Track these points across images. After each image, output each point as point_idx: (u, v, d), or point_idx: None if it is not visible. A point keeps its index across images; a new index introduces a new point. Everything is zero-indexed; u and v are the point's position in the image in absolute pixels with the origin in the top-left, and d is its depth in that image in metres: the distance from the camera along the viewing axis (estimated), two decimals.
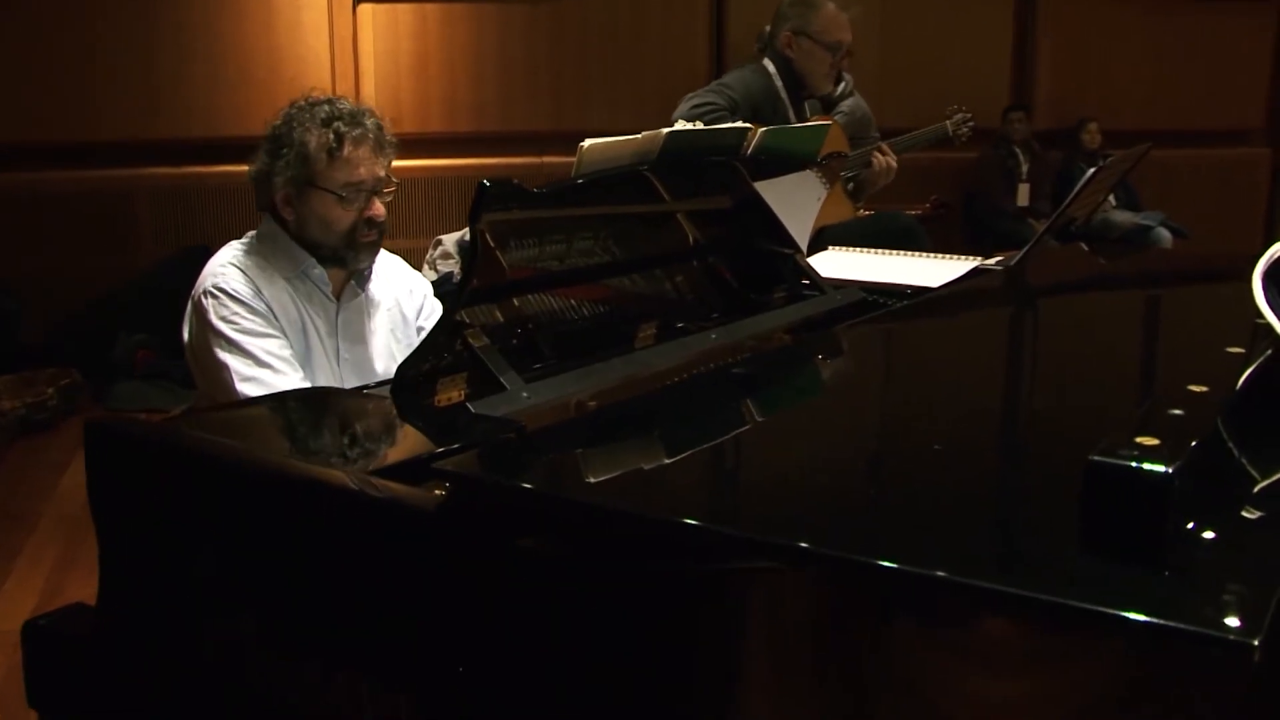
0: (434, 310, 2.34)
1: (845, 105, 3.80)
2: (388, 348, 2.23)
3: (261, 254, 2.13)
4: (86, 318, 5.26)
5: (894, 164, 3.54)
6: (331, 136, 2.08)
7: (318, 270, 2.15)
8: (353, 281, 2.20)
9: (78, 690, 1.47)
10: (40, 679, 1.48)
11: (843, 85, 4.02)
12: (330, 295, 2.17)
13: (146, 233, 5.58)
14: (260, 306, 2.06)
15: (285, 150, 2.10)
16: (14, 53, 5.31)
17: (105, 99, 5.42)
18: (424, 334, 2.27)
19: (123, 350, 5.08)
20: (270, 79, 5.55)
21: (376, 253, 2.20)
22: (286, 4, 5.67)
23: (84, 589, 1.43)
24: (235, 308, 2.04)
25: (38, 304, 5.32)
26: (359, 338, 2.20)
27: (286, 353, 2.05)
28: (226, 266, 2.09)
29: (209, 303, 2.05)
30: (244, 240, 2.17)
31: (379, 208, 2.14)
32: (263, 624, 1.28)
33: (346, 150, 2.09)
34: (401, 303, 2.29)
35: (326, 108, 2.12)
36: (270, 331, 2.05)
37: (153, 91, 5.44)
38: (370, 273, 2.23)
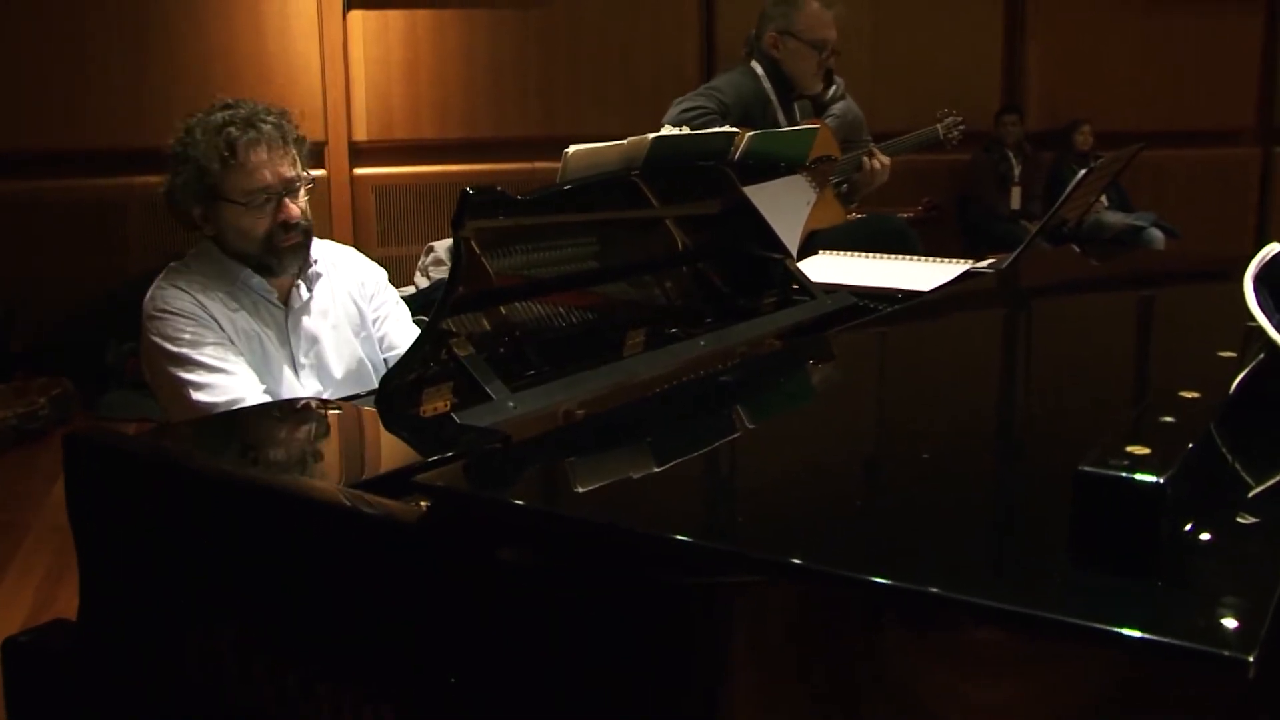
0: (389, 298, 2.29)
1: (836, 108, 3.80)
2: (348, 346, 2.18)
3: (200, 271, 2.09)
4: (77, 326, 5.24)
5: (886, 164, 3.53)
6: (224, 144, 2.02)
7: (256, 279, 2.10)
8: (299, 285, 2.14)
9: (59, 707, 1.45)
10: (20, 697, 1.47)
11: (834, 88, 4.02)
12: (276, 302, 2.13)
13: (136, 240, 5.56)
14: (203, 316, 2.03)
15: (184, 167, 2.05)
16: (2, 60, 5.30)
17: (95, 107, 5.40)
18: (383, 321, 2.26)
19: (114, 358, 5.06)
20: (260, 86, 5.53)
21: (303, 254, 2.13)
22: (276, 11, 5.66)
23: (75, 600, 1.41)
24: (176, 322, 2.01)
25: (28, 312, 5.31)
26: (313, 341, 2.15)
27: (237, 357, 2.02)
28: (164, 288, 2.06)
29: (152, 325, 2.02)
30: (179, 262, 2.13)
31: (292, 209, 2.07)
32: (244, 637, 1.26)
33: (241, 156, 2.02)
34: (354, 296, 2.23)
35: (222, 114, 2.05)
36: (215, 339, 2.02)
37: (142, 99, 5.42)
38: (315, 273, 2.17)
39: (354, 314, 2.22)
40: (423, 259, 5.53)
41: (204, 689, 1.28)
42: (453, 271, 1.45)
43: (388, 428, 1.42)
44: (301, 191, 2.10)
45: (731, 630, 0.96)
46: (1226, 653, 0.71)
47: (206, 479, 1.29)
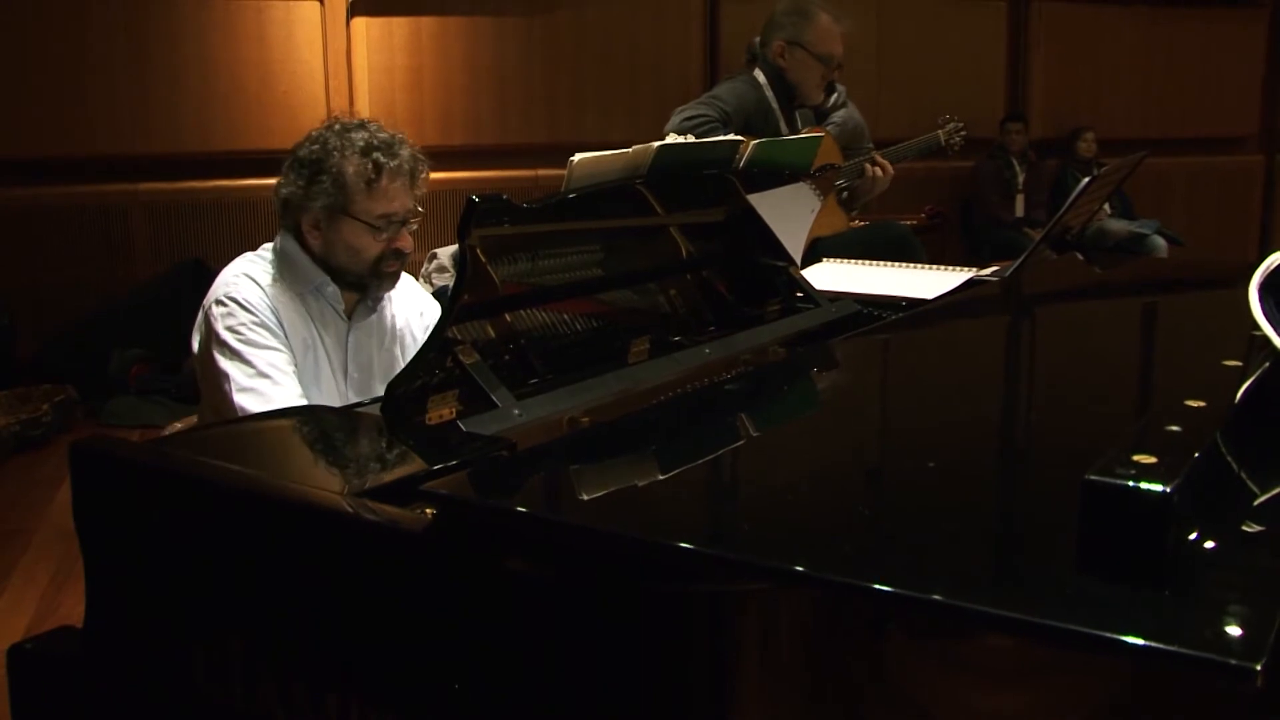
0: None
1: (838, 116, 3.81)
2: (398, 367, 2.21)
3: (276, 267, 2.13)
4: (81, 333, 5.25)
5: (889, 171, 3.53)
6: (370, 166, 2.06)
7: (331, 288, 2.14)
8: (366, 302, 2.19)
9: (64, 716, 1.45)
10: (26, 705, 1.47)
11: (836, 95, 4.03)
12: (343, 314, 2.17)
13: (140, 247, 5.56)
14: (269, 319, 2.06)
15: (322, 176, 2.07)
16: (6, 67, 5.31)
17: (98, 114, 5.41)
18: None
19: (117, 365, 5.07)
20: (264, 93, 5.55)
21: (396, 282, 2.19)
22: (280, 18, 5.67)
23: (79, 606, 1.41)
24: (243, 317, 2.04)
25: (32, 319, 5.31)
26: (368, 358, 2.20)
27: (289, 367, 2.05)
28: (240, 277, 2.09)
29: (218, 310, 2.05)
30: (259, 252, 2.16)
31: (407, 240, 2.13)
32: (251, 646, 1.26)
33: (384, 181, 2.07)
34: (413, 325, 2.28)
35: (364, 135, 2.09)
36: (275, 345, 2.05)
37: (146, 106, 5.43)
38: (384, 295, 2.22)
39: (409, 340, 2.27)
40: (426, 265, 5.53)
41: (210, 698, 1.28)
42: (458, 279, 1.45)
43: (394, 435, 1.42)
44: (413, 224, 2.15)
45: (738, 637, 0.95)
46: (1233, 661, 0.71)
47: (213, 488, 1.29)
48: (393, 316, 2.25)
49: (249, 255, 2.16)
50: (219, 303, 2.06)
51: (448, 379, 1.47)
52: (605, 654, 1.01)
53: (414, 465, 1.36)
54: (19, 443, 4.48)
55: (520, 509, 1.12)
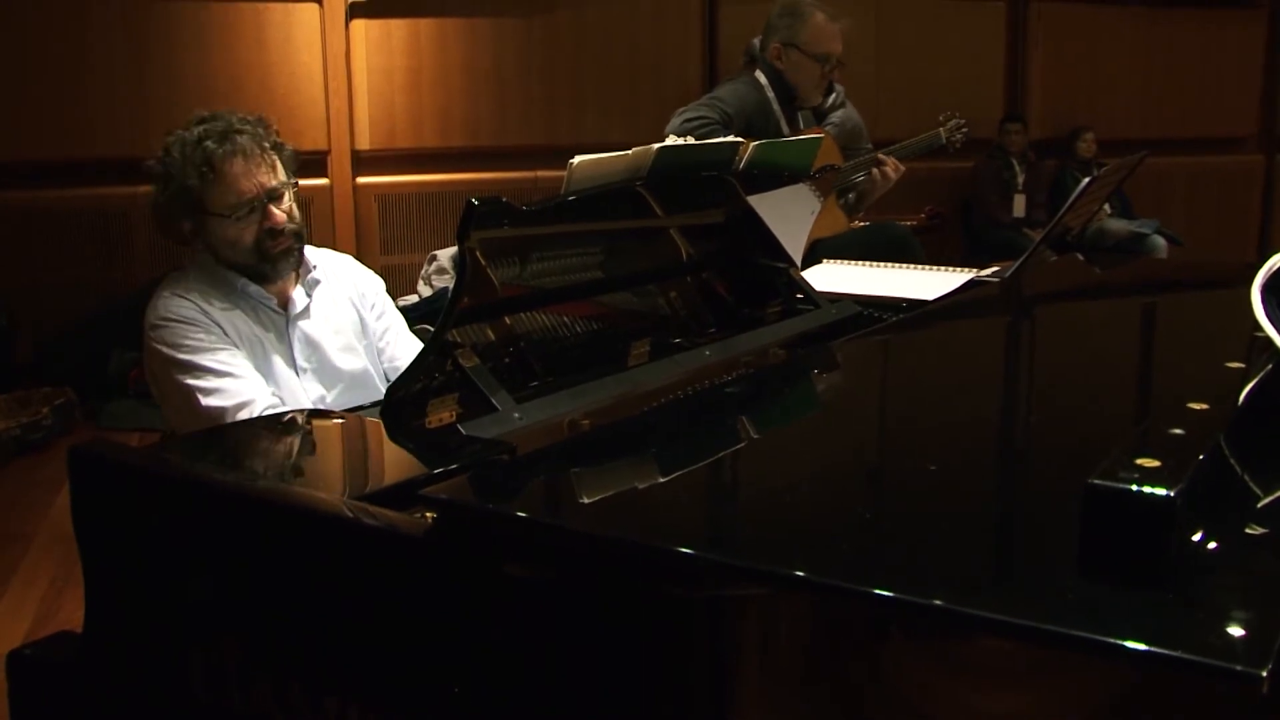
0: (387, 307, 2.30)
1: (836, 116, 3.80)
2: (349, 351, 2.19)
3: (200, 280, 2.10)
4: (80, 336, 5.24)
5: (900, 168, 3.52)
6: (200, 159, 2.03)
7: (253, 287, 2.11)
8: (298, 290, 2.16)
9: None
10: (25, 710, 1.46)
11: (834, 96, 4.02)
12: (276, 308, 2.14)
13: (140, 250, 5.56)
14: (205, 321, 2.03)
15: (167, 184, 2.06)
16: (5, 69, 5.30)
17: (98, 116, 5.41)
18: (384, 332, 2.26)
19: (117, 368, 5.06)
20: (263, 95, 5.54)
21: (294, 259, 2.14)
22: (279, 20, 5.66)
23: (79, 610, 1.41)
24: (180, 329, 2.02)
25: (31, 321, 5.31)
26: (314, 345, 2.16)
27: (244, 361, 2.03)
28: (164, 296, 2.07)
29: (155, 335, 2.03)
30: (177, 273, 2.14)
31: (277, 215, 2.08)
32: (250, 650, 1.26)
33: (220, 169, 2.03)
34: (355, 303, 2.25)
35: (199, 128, 2.06)
36: (219, 344, 2.02)
37: (145, 108, 5.42)
38: (313, 279, 2.18)
39: (355, 320, 2.23)
40: (425, 267, 5.53)
41: (209, 703, 1.28)
42: (457, 282, 1.45)
43: (393, 439, 1.42)
44: (286, 196, 2.11)
45: (738, 641, 0.95)
46: (1239, 667, 0.71)
47: (211, 492, 1.29)
48: (333, 298, 2.21)
49: (171, 276, 2.13)
50: (153, 326, 2.03)
51: (447, 382, 1.47)
52: (605, 658, 1.00)
53: (414, 469, 1.35)
54: (18, 446, 4.47)
55: (520, 513, 1.12)
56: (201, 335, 2.02)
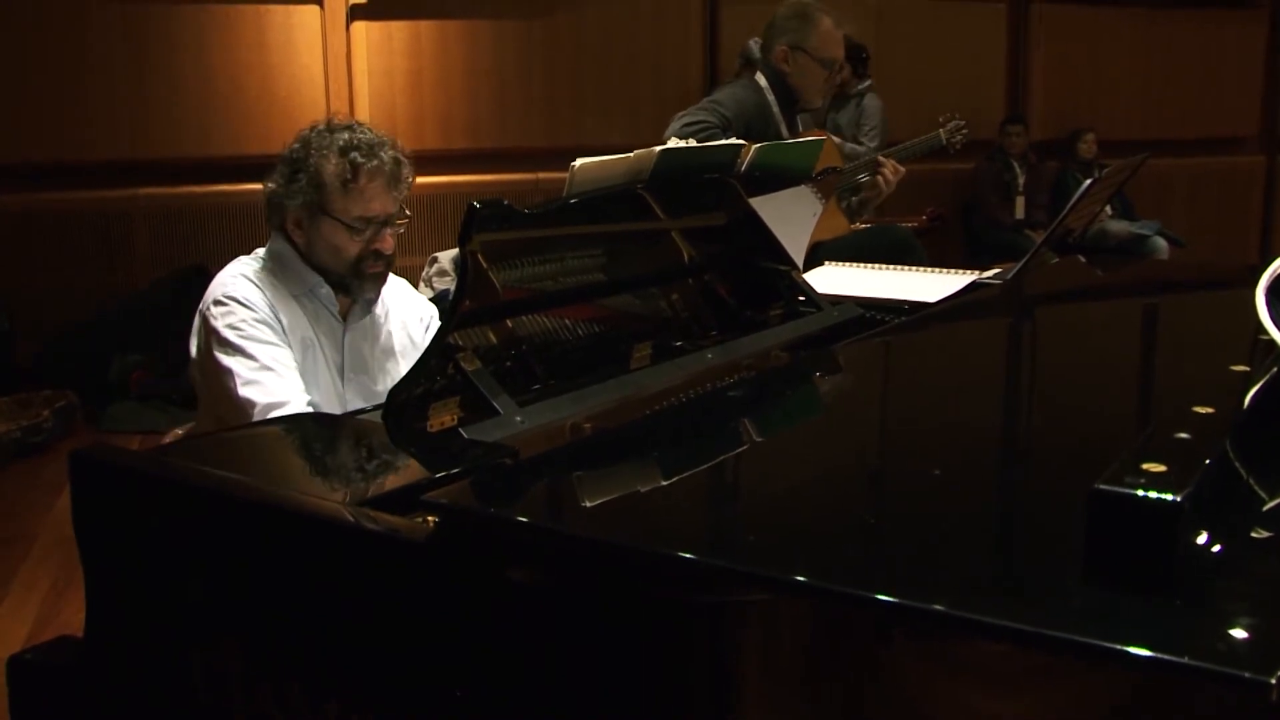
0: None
1: (867, 101, 3.77)
2: (395, 371, 2.22)
3: (271, 269, 2.13)
4: (81, 338, 5.24)
5: (901, 171, 3.52)
6: (347, 166, 2.06)
7: (325, 290, 2.14)
8: (360, 305, 2.19)
9: None
10: (26, 714, 1.46)
11: (867, 83, 3.96)
12: (338, 316, 2.17)
13: (141, 253, 5.56)
14: (269, 316, 2.06)
15: (300, 175, 2.09)
16: (5, 72, 5.30)
17: (98, 119, 5.41)
18: None
19: (118, 371, 5.06)
20: (264, 97, 5.55)
21: (382, 284, 2.19)
22: (279, 22, 5.66)
23: (80, 613, 1.41)
24: (243, 314, 2.04)
25: (31, 325, 5.30)
26: (364, 361, 2.19)
27: (291, 362, 2.05)
28: (236, 278, 2.09)
29: (217, 310, 2.05)
30: (253, 255, 2.17)
31: (388, 241, 2.13)
32: (251, 655, 1.25)
33: (361, 182, 2.07)
34: (409, 327, 2.28)
35: (346, 135, 2.10)
36: (276, 341, 2.05)
37: (146, 111, 5.43)
38: (378, 297, 2.22)
39: (406, 344, 2.26)
40: (426, 269, 5.53)
41: (211, 707, 1.28)
42: (459, 285, 1.45)
43: (395, 443, 1.42)
44: (398, 227, 2.15)
45: (741, 647, 0.95)
46: (1248, 675, 0.70)
47: (213, 496, 1.29)
48: (389, 321, 2.25)
49: (244, 258, 2.16)
50: (217, 302, 2.06)
51: (449, 386, 1.46)
52: (607, 663, 1.00)
53: (416, 473, 1.35)
54: (19, 448, 4.47)
55: (522, 518, 1.12)
56: (259, 326, 2.04)
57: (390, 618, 1.13)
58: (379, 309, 2.23)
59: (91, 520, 1.39)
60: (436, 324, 2.34)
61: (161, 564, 1.33)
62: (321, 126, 2.13)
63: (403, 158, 2.15)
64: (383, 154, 2.10)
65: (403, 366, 2.22)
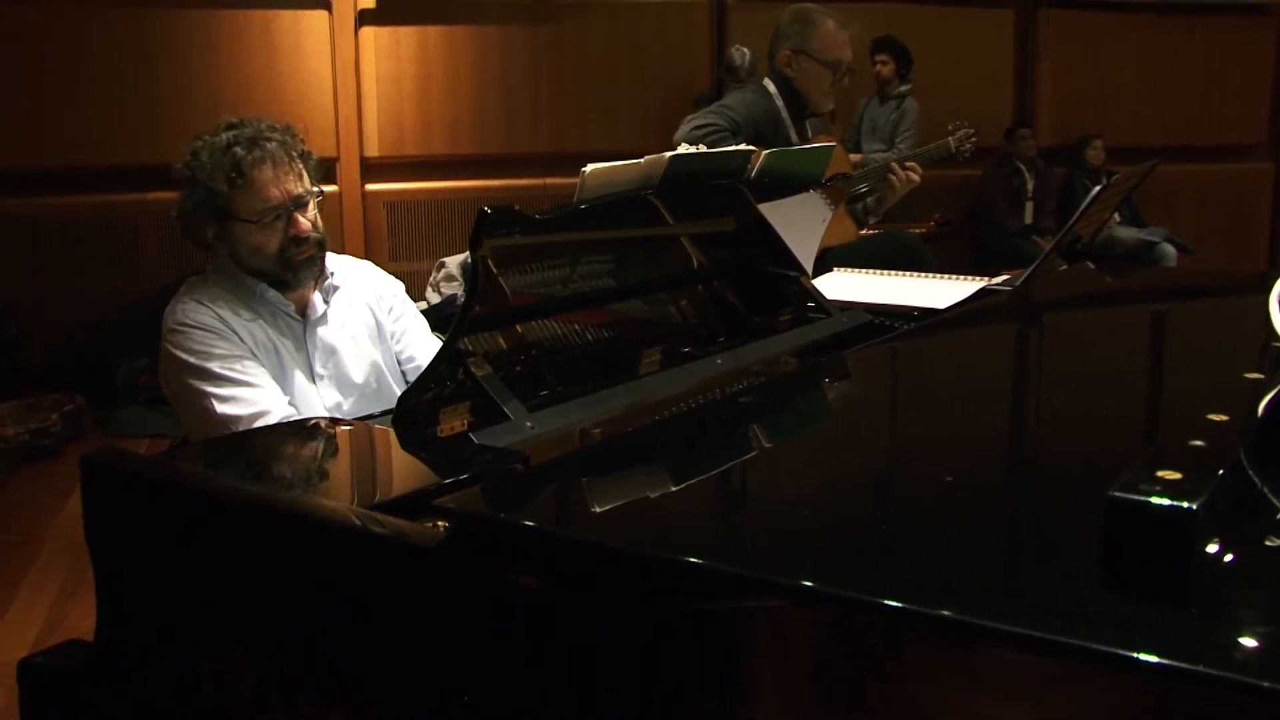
0: (407, 310, 2.30)
1: (907, 104, 3.77)
2: (366, 357, 2.19)
3: (217, 286, 2.11)
4: (89, 343, 5.25)
5: (918, 171, 3.51)
6: (229, 165, 2.03)
7: (272, 293, 2.11)
8: (315, 297, 2.16)
9: None
10: (35, 718, 1.46)
11: (906, 86, 3.89)
12: (294, 315, 2.14)
13: (149, 257, 5.57)
14: (224, 329, 2.03)
15: (193, 189, 2.07)
16: (13, 77, 5.32)
17: (106, 124, 5.42)
18: (402, 334, 2.26)
19: (126, 375, 5.07)
20: (272, 102, 5.55)
21: (316, 267, 2.14)
22: (288, 27, 5.68)
23: (88, 617, 1.41)
24: (198, 335, 2.02)
25: (40, 329, 5.32)
26: (331, 352, 2.15)
27: (261, 369, 2.03)
28: (185, 302, 2.07)
29: (173, 339, 2.03)
30: (196, 278, 2.14)
31: (302, 224, 2.08)
32: (261, 661, 1.25)
33: (248, 175, 2.04)
34: (372, 308, 2.24)
35: (227, 134, 2.07)
36: (238, 352, 2.02)
37: (154, 116, 5.44)
38: (331, 285, 2.19)
39: (371, 325, 2.23)
40: (434, 274, 5.54)
41: (220, 714, 1.27)
42: (470, 290, 1.45)
43: (405, 448, 1.42)
44: (311, 205, 2.12)
45: (752, 652, 0.95)
46: (1266, 684, 0.70)
47: (223, 502, 1.29)
48: (350, 304, 2.21)
49: (190, 279, 2.14)
50: (171, 332, 2.04)
51: (459, 391, 1.46)
52: (618, 669, 1.00)
53: (426, 478, 1.35)
54: (28, 452, 4.48)
55: (533, 524, 1.11)
56: (220, 342, 2.02)
57: (400, 623, 1.13)
58: (337, 296, 2.19)
59: (102, 525, 1.39)
60: (401, 301, 2.30)
61: (172, 569, 1.33)
62: (207, 133, 2.10)
63: (291, 138, 2.11)
64: (266, 142, 2.06)
65: (374, 350, 2.20)
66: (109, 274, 5.52)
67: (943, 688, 0.88)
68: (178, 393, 2.05)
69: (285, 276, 2.10)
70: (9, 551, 3.62)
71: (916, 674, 0.89)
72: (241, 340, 2.04)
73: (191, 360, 2.00)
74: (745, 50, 5.98)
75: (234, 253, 2.10)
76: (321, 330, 2.16)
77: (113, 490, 1.38)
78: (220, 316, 2.05)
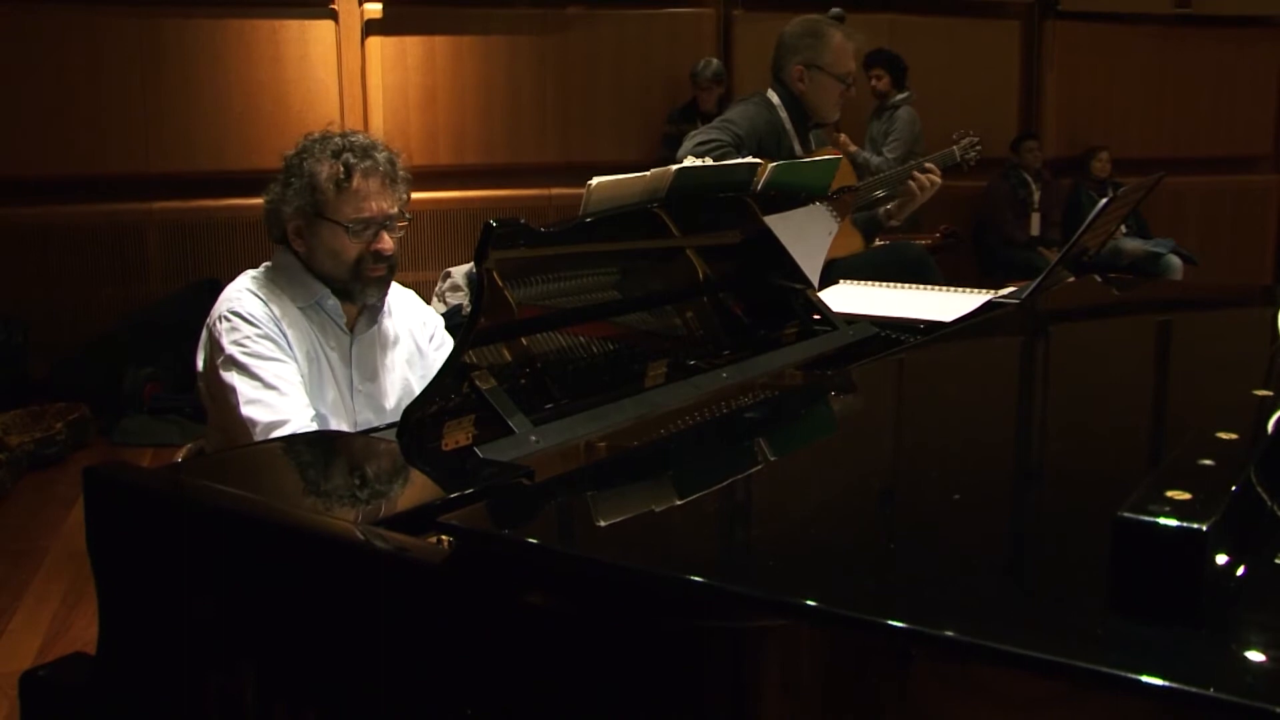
0: (445, 342, 2.33)
1: (903, 112, 3.76)
2: (403, 381, 2.22)
3: (277, 282, 2.13)
4: (94, 352, 5.26)
5: (937, 174, 3.50)
6: (341, 168, 2.08)
7: (331, 301, 2.14)
8: (366, 314, 2.19)
9: None
10: None
11: (906, 94, 3.89)
12: (344, 327, 2.17)
13: (154, 266, 5.58)
14: (273, 331, 2.06)
15: (295, 180, 2.10)
16: (19, 87, 5.34)
17: (112, 133, 5.44)
18: (437, 365, 2.28)
19: (131, 384, 5.07)
20: (278, 112, 5.57)
21: (385, 287, 2.19)
22: (294, 37, 5.69)
23: (91, 626, 1.40)
24: (248, 330, 2.04)
25: (45, 338, 5.32)
26: (372, 370, 2.19)
27: (296, 379, 2.05)
28: (242, 292, 2.10)
29: (222, 326, 2.05)
30: (260, 269, 2.18)
31: (387, 242, 2.13)
32: (265, 676, 1.25)
33: (355, 183, 2.08)
34: (415, 335, 2.28)
35: (339, 140, 2.12)
36: (281, 357, 2.05)
37: (160, 125, 5.46)
38: (384, 306, 2.22)
39: (412, 350, 2.26)
40: (439, 285, 5.54)
41: None
42: (475, 303, 1.44)
43: (410, 462, 1.41)
44: (397, 229, 2.16)
45: (760, 671, 0.94)
46: (1278, 709, 0.69)
47: (227, 515, 1.28)
48: (395, 328, 2.25)
49: (251, 272, 2.17)
50: (223, 318, 2.06)
51: (464, 404, 1.46)
52: (624, 687, 0.99)
53: (431, 492, 1.35)
54: (32, 461, 4.48)
55: (537, 542, 1.11)
56: (264, 342, 2.04)
57: (403, 638, 1.13)
58: (385, 318, 2.23)
59: (105, 538, 1.39)
60: (441, 333, 2.34)
61: (175, 583, 1.33)
62: (316, 134, 2.14)
63: (396, 159, 2.16)
64: (376, 155, 2.11)
65: (410, 375, 2.23)
66: (114, 283, 5.53)
67: (950, 707, 0.88)
68: (210, 378, 2.07)
69: (352, 288, 2.14)
70: (13, 560, 3.62)
71: (926, 693, 0.88)
72: (287, 341, 2.07)
73: (235, 352, 2.03)
74: (713, 60, 6.09)
75: (311, 252, 2.13)
76: (365, 347, 2.19)
77: (116, 503, 1.38)
78: (275, 318, 2.08)
